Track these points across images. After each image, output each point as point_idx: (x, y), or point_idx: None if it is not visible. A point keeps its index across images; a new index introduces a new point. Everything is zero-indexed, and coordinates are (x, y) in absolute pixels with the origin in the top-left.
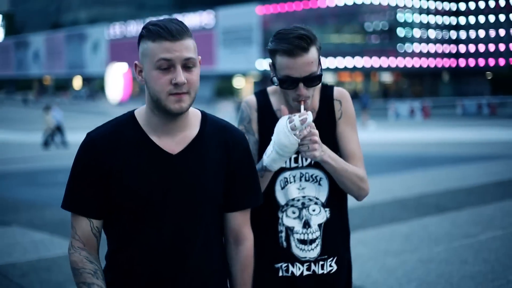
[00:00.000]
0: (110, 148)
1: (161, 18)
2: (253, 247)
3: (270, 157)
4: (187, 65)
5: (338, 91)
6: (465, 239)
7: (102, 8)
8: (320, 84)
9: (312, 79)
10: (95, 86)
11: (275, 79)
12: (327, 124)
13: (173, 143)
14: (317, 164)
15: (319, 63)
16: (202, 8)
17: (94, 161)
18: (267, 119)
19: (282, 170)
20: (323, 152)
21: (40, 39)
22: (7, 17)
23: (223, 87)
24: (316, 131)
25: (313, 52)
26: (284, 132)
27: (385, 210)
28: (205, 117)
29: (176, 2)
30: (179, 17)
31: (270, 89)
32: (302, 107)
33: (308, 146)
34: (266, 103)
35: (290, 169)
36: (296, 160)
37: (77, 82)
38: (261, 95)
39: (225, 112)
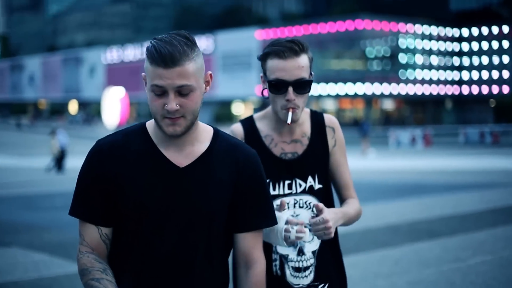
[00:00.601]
0: (117, 156)
1: (168, 33)
2: (264, 272)
3: None
4: (181, 92)
5: (329, 118)
6: (454, 263)
7: (99, 31)
8: (309, 110)
9: (302, 84)
10: (91, 110)
11: (266, 90)
12: (320, 151)
13: (181, 156)
14: (311, 191)
15: (310, 74)
16: (201, 32)
17: (100, 167)
18: (253, 147)
19: (275, 197)
20: (336, 222)
21: (36, 62)
22: (2, 39)
23: (222, 113)
24: (328, 217)
25: (304, 58)
26: (277, 237)
27: (378, 235)
28: (216, 133)
29: (175, 26)
30: None
31: (257, 115)
32: (289, 115)
33: (324, 232)
34: (253, 130)
35: (284, 195)
36: (290, 187)
37: (73, 107)
38: (247, 122)
39: None
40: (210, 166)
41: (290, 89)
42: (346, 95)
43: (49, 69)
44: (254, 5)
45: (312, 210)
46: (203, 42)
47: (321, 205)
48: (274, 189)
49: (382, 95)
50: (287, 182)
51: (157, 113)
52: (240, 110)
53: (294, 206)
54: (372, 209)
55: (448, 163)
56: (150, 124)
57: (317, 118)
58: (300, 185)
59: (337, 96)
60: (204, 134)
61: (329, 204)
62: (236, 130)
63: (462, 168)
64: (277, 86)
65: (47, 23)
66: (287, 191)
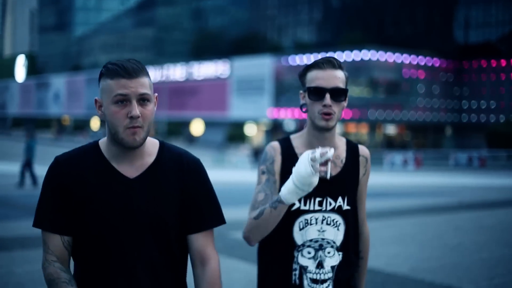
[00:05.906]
0: (74, 170)
1: (122, 59)
2: (218, 267)
3: (286, 187)
4: (142, 100)
5: (363, 149)
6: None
7: (122, 53)
8: (345, 139)
9: (339, 92)
10: None
11: (304, 104)
12: (353, 175)
13: (131, 169)
14: (339, 210)
15: (346, 86)
16: (218, 57)
17: (60, 180)
18: (289, 161)
19: (303, 212)
20: None
21: (61, 81)
22: (29, 58)
23: (235, 133)
24: None
25: (341, 72)
26: (304, 162)
27: None
28: (162, 145)
29: (194, 50)
30: (196, 65)
31: (293, 135)
32: (329, 166)
33: None
34: (289, 146)
35: (314, 211)
36: (320, 204)
37: (95, 123)
38: (284, 141)
39: (242, 155)
40: (159, 176)
41: (327, 95)
42: (352, 120)
43: (73, 88)
44: (269, 33)
45: (338, 229)
46: (220, 67)
47: None
48: (305, 205)
49: (385, 120)
50: (318, 199)
51: (119, 125)
52: (252, 131)
53: (322, 222)
54: None
55: (424, 179)
56: (102, 142)
57: (352, 146)
58: (330, 204)
59: (343, 121)
60: (151, 147)
61: (355, 225)
62: (275, 145)
63: (429, 183)
64: (315, 93)
65: (73, 43)
66: (317, 207)
